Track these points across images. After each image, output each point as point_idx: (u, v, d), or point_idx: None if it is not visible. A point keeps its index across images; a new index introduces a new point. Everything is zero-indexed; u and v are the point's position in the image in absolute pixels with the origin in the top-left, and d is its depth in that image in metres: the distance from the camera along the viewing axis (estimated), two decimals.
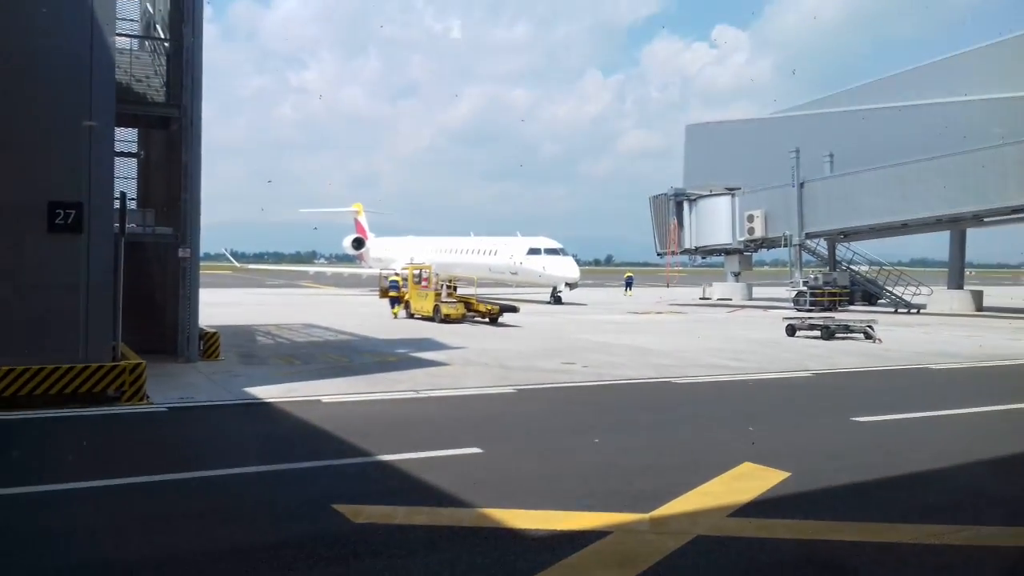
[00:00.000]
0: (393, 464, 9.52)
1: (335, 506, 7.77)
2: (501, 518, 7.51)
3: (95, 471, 9.25)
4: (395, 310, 33.84)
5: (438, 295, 31.77)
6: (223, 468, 9.46)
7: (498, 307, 31.03)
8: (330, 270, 73.01)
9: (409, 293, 33.51)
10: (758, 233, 45.10)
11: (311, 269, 78.76)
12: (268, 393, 14.28)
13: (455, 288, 34.00)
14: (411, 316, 32.67)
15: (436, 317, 30.71)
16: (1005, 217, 38.21)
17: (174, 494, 8.53)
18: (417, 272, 34.34)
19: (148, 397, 13.40)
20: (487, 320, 30.70)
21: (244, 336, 24.56)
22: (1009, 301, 51.44)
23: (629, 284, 61.69)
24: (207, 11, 18.79)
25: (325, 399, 13.87)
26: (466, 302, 31.61)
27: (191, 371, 16.94)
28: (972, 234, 44.13)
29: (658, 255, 52.69)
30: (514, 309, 31.78)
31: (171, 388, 14.61)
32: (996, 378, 18.64)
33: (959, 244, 44.53)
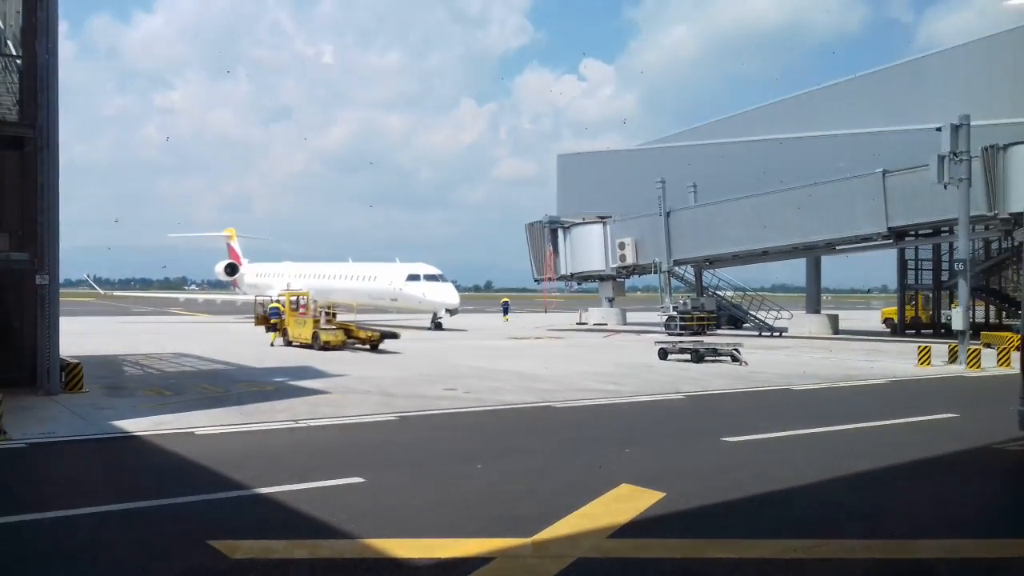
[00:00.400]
0: (271, 497, 9.30)
1: (211, 542, 7.53)
2: (384, 548, 7.47)
3: None
4: (273, 336, 33.02)
5: (317, 322, 31.28)
6: (89, 507, 8.97)
7: (379, 333, 30.74)
8: (202, 297, 70.59)
9: (286, 320, 32.79)
10: (629, 260, 46.59)
11: (181, 296, 75.93)
12: (137, 426, 13.65)
13: (334, 315, 33.51)
14: (289, 344, 31.96)
15: (315, 344, 30.19)
16: (855, 245, 40.96)
17: (36, 534, 8.05)
18: (295, 299, 33.64)
19: (5, 432, 12.57)
20: (368, 347, 30.37)
21: (110, 367, 23.39)
22: (862, 324, 54.88)
23: (506, 310, 62.54)
24: (62, 26, 18.01)
25: (198, 431, 13.39)
26: (346, 329, 31.22)
27: (52, 404, 16.04)
28: (827, 261, 46.97)
29: (535, 281, 53.53)
30: (395, 335, 31.59)
31: (31, 423, 13.77)
32: (853, 398, 19.84)
33: (815, 271, 47.34)
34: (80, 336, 30.33)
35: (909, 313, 49.95)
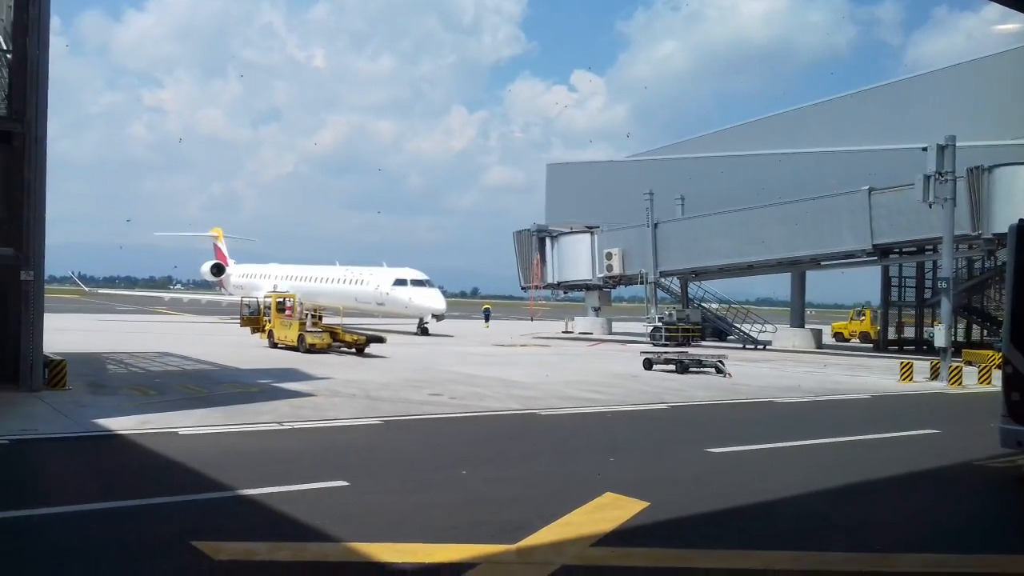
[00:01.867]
0: (255, 498, 9.27)
1: (194, 543, 7.50)
2: (368, 552, 7.46)
3: None
4: (262, 336, 33.06)
5: (302, 324, 31.15)
6: (70, 505, 8.92)
7: (365, 337, 30.71)
8: (187, 296, 70.13)
9: (272, 322, 32.72)
10: (616, 270, 46.72)
11: (167, 295, 75.32)
12: (120, 425, 13.57)
13: (320, 317, 33.43)
14: (274, 345, 31.96)
15: (301, 347, 30.08)
16: (840, 261, 41.20)
17: (16, 532, 8.00)
18: (281, 300, 33.57)
19: None
20: (353, 350, 30.32)
21: (94, 364, 23.22)
22: (845, 339, 55.21)
23: (487, 316, 62.91)
24: (54, 22, 17.96)
25: (182, 431, 13.33)
26: (332, 332, 31.17)
27: (34, 401, 15.92)
28: (811, 276, 47.26)
29: (522, 289, 53.62)
30: (380, 340, 31.43)
31: (12, 419, 13.69)
32: (836, 411, 19.96)
33: (800, 285, 47.62)
34: (64, 333, 30.06)
35: (856, 327, 51.00)
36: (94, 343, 30.56)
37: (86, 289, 64.27)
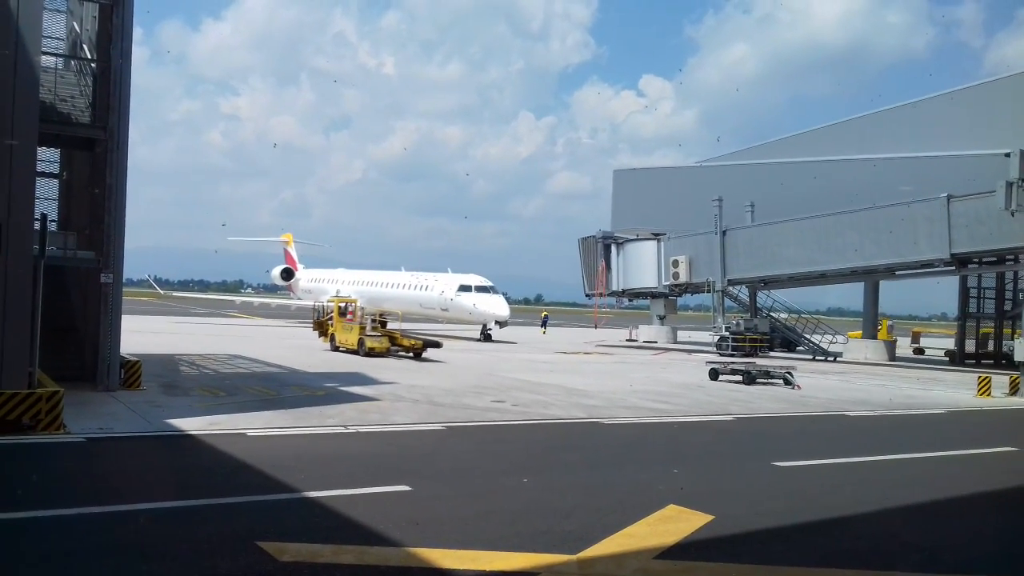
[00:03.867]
0: (320, 501, 9.39)
1: (259, 543, 7.62)
2: (429, 558, 7.48)
3: (7, 503, 8.88)
4: (324, 339, 34.00)
5: (363, 328, 31.81)
6: (143, 502, 9.17)
7: (422, 342, 31.20)
8: (257, 300, 71.76)
9: (334, 326, 33.51)
10: (683, 278, 46.11)
11: (238, 298, 77.25)
12: (191, 425, 13.93)
13: (384, 323, 33.98)
14: (336, 348, 32.66)
15: (361, 350, 30.71)
16: (916, 271, 39.97)
17: (91, 528, 8.25)
18: (343, 305, 34.27)
19: (65, 426, 12.94)
20: (411, 355, 30.70)
21: (167, 365, 23.91)
22: (920, 351, 53.56)
23: (544, 323, 63.54)
24: (136, 32, 18.56)
25: (250, 432, 13.61)
26: (391, 336, 31.77)
27: (111, 400, 16.42)
28: (885, 286, 45.96)
29: (586, 296, 53.37)
30: (437, 344, 31.89)
31: (89, 418, 14.14)
32: (909, 426, 19.35)
33: (873, 295, 46.27)
34: (139, 334, 31.05)
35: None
36: (168, 345, 31.50)
37: (161, 292, 66.29)
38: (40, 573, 6.98)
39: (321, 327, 35.43)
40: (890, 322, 51.30)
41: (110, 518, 8.59)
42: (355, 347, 31.21)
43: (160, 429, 13.74)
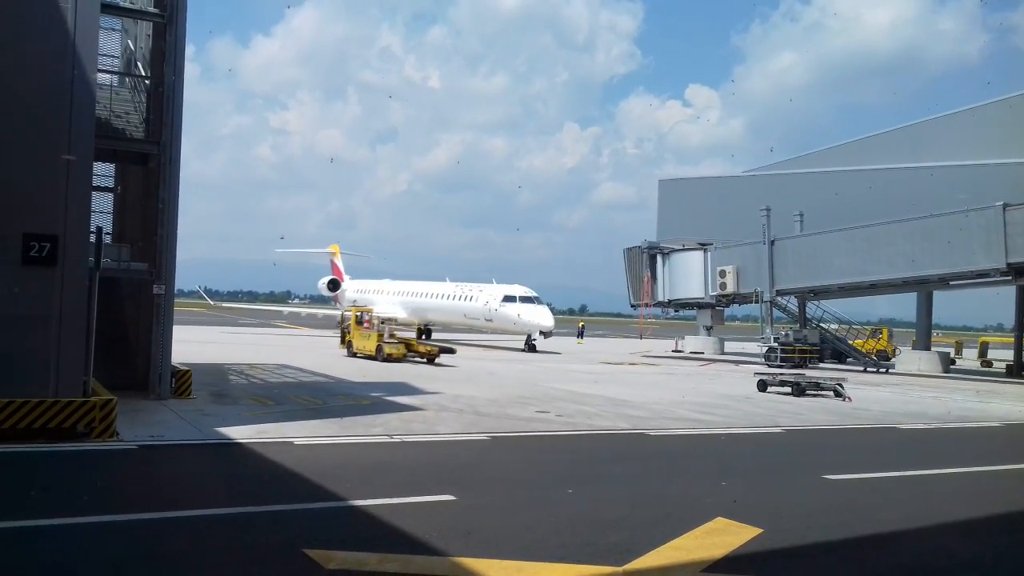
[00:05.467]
0: (366, 509, 9.45)
1: (306, 551, 7.69)
2: (474, 568, 7.47)
3: (62, 508, 9.08)
4: (342, 346, 36.96)
5: (380, 336, 33.91)
6: (192, 509, 9.32)
7: (437, 348, 33.77)
8: (304, 310, 72.66)
9: (351, 333, 36.06)
10: (730, 288, 45.55)
11: (285, 309, 78.28)
12: (239, 433, 14.12)
13: (392, 334, 35.79)
14: (353, 355, 34.77)
15: (379, 356, 32.79)
16: (970, 281, 38.98)
17: (143, 534, 8.39)
18: (359, 314, 36.56)
19: (118, 434, 13.21)
20: (425, 360, 33.05)
21: (216, 375, 24.30)
22: (974, 363, 52.20)
23: (581, 333, 64.47)
24: (188, 50, 18.96)
25: (297, 441, 13.75)
26: (407, 343, 34.17)
27: (162, 409, 16.73)
28: (938, 296, 44.94)
29: (632, 307, 52.99)
30: (451, 351, 34.83)
31: (141, 426, 14.43)
32: (964, 440, 18.86)
33: (926, 306, 45.29)
34: (190, 344, 31.59)
35: (872, 345, 48.08)
36: (217, 354, 32.01)
37: (211, 303, 67.44)
38: (108, 574, 7.11)
39: (343, 336, 37.81)
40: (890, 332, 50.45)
41: (161, 524, 8.74)
42: (373, 353, 33.29)
43: (210, 437, 13.95)
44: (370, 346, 33.75)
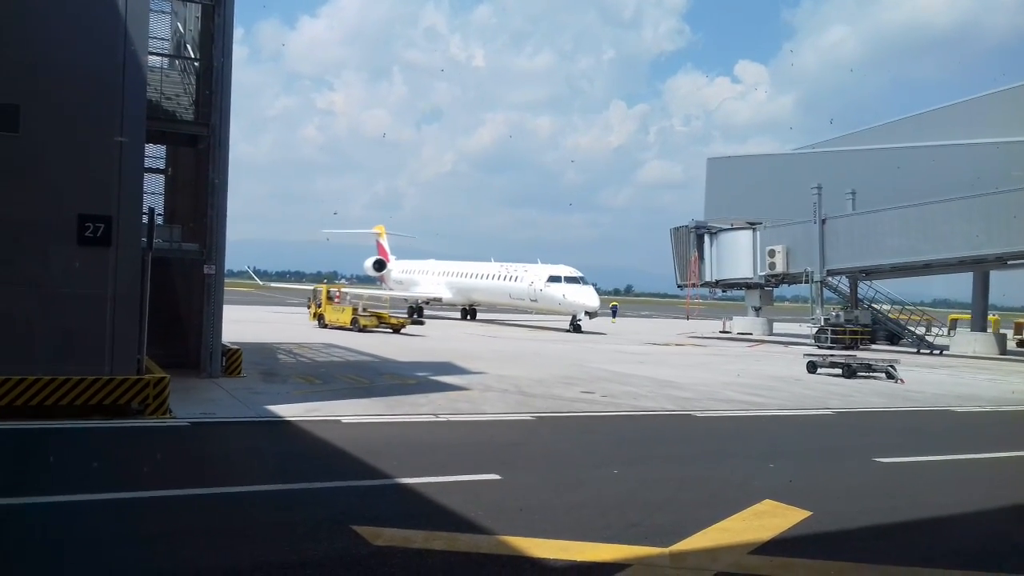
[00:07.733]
0: (412, 487, 9.52)
1: (354, 527, 7.78)
2: (520, 546, 7.49)
3: (117, 483, 9.33)
4: (311, 318, 41.79)
5: (355, 309, 39.13)
6: (243, 485, 9.51)
7: (404, 320, 40.11)
8: (351, 291, 73.25)
9: (322, 307, 40.69)
10: (779, 268, 44.82)
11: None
12: (288, 411, 14.33)
13: (365, 308, 40.83)
14: (324, 326, 39.21)
15: (354, 327, 37.62)
16: None
17: (196, 509, 8.58)
18: (330, 291, 42.17)
19: (171, 411, 13.50)
20: (390, 330, 37.68)
21: (265, 354, 24.69)
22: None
23: (614, 312, 64.05)
24: (237, 32, 19.09)
25: (345, 419, 13.91)
26: (378, 316, 38.96)
27: (213, 387, 17.04)
28: (995, 276, 43.77)
29: (678, 287, 52.56)
30: (419, 323, 41.57)
31: (193, 403, 14.72)
32: (1020, 424, 18.40)
33: (982, 286, 44.10)
34: (239, 324, 32.13)
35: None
36: (266, 333, 32.51)
37: (260, 283, 68.25)
38: (147, 552, 7.28)
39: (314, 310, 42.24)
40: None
41: (213, 500, 8.92)
42: (347, 324, 38.12)
43: (259, 415, 14.18)
44: (344, 318, 38.70)
